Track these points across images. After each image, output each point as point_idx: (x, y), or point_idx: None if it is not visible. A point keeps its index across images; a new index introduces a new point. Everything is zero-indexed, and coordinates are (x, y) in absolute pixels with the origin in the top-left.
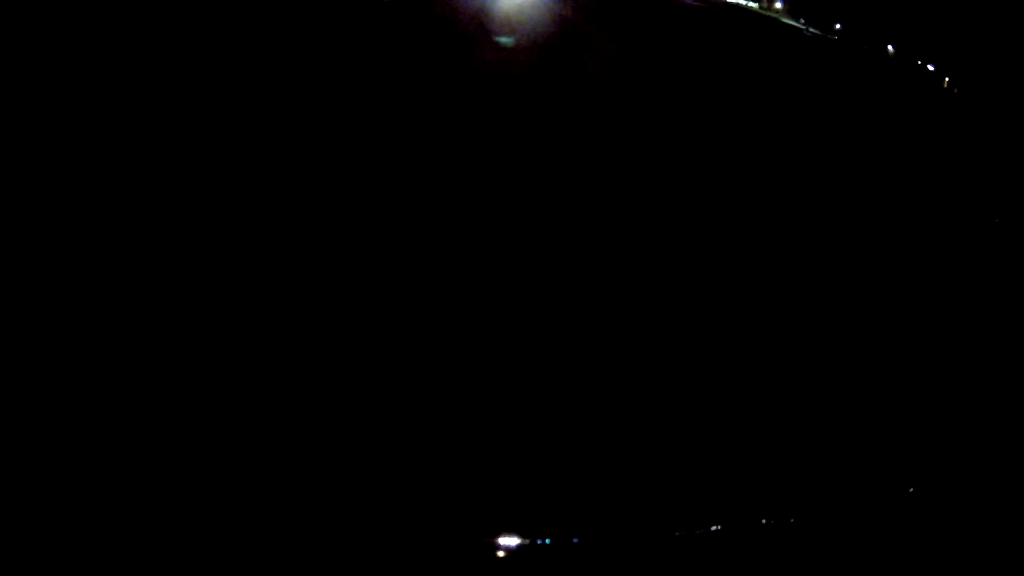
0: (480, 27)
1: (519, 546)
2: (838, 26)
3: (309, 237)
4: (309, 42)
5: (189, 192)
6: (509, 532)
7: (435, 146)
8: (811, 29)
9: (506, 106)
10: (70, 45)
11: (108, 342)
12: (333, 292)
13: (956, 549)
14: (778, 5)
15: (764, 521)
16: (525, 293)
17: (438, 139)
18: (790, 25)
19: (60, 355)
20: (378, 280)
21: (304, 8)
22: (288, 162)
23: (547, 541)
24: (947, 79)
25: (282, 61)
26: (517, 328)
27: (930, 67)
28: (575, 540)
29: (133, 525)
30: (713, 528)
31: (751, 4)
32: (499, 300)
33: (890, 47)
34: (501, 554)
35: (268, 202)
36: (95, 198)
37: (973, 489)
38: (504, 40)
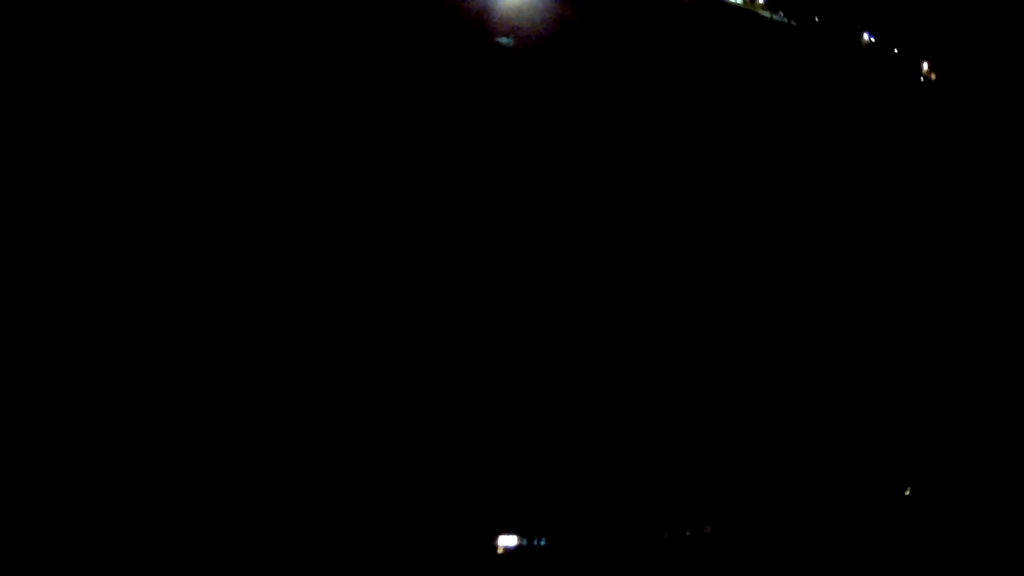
0: (481, 27)
1: (517, 546)
2: (816, 18)
3: (309, 236)
4: (308, 40)
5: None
6: (508, 532)
7: (436, 146)
8: (775, 17)
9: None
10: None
11: (106, 340)
12: (334, 292)
13: (953, 548)
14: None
15: (752, 522)
16: (525, 295)
17: (438, 139)
18: (761, 16)
19: (59, 353)
20: (378, 281)
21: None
22: (286, 160)
23: (543, 541)
24: (926, 66)
25: (281, 59)
26: (516, 334)
27: (910, 55)
28: (572, 539)
29: (132, 523)
30: (705, 529)
31: None
32: (499, 302)
33: (866, 35)
34: (500, 552)
35: (267, 201)
36: (95, 198)
37: (971, 489)
38: (504, 40)
